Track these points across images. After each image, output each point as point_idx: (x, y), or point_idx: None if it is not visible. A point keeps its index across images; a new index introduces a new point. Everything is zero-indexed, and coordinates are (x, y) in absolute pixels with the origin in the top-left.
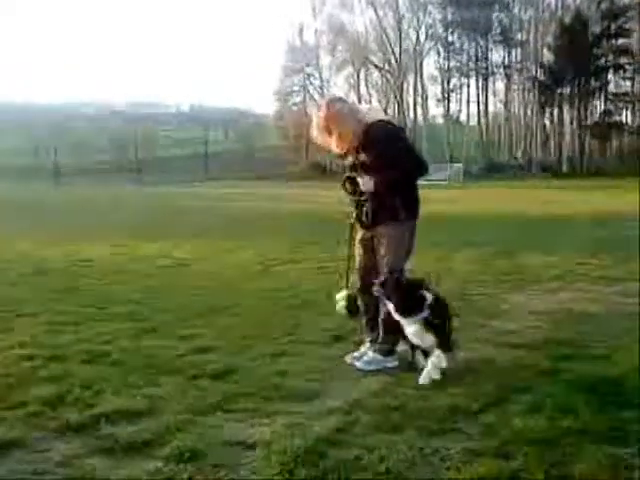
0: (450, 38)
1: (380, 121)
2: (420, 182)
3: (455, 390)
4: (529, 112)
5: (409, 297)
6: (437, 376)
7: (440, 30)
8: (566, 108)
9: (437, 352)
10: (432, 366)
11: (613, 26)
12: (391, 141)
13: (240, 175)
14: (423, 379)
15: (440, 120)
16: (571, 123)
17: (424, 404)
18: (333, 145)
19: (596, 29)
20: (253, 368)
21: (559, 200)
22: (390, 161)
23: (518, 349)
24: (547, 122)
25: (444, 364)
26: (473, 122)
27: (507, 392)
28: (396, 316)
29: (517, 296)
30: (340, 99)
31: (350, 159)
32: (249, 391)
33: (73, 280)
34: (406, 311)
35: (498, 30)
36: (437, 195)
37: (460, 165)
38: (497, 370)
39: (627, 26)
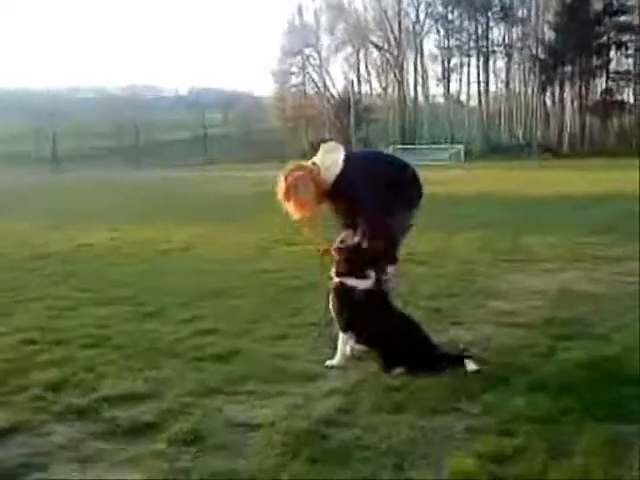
0: (450, 16)
1: (342, 173)
2: (421, 162)
3: (456, 369)
4: (530, 91)
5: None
6: (342, 361)
7: (440, 8)
8: (567, 87)
9: (341, 335)
10: (338, 349)
11: (615, 3)
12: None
13: (240, 158)
14: (330, 362)
15: (441, 99)
16: (572, 102)
17: (425, 384)
18: (291, 211)
19: (597, 6)
20: (255, 350)
21: (560, 180)
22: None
23: (519, 329)
24: (548, 101)
25: (349, 349)
26: (474, 102)
27: (508, 371)
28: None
29: (518, 276)
30: (297, 168)
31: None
32: (251, 373)
33: (73, 264)
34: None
35: (498, 7)
36: (438, 176)
37: (461, 146)
38: (498, 350)
39: (629, 3)
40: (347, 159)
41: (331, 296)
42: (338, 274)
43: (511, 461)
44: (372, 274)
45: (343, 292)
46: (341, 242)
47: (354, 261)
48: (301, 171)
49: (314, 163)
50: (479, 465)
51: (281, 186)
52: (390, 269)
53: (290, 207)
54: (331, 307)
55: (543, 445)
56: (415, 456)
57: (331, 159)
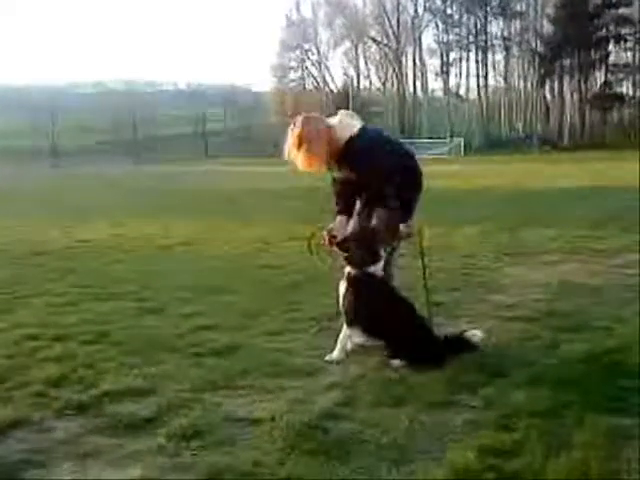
0: (448, 10)
1: (356, 137)
2: (421, 156)
3: (456, 363)
4: (529, 85)
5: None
6: (342, 355)
7: (438, 2)
8: (566, 80)
9: (345, 328)
10: (339, 343)
11: None
12: (372, 160)
13: (240, 152)
14: (330, 356)
15: (440, 93)
16: (572, 95)
17: (425, 378)
18: (299, 161)
19: None
20: (254, 345)
21: (560, 173)
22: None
23: (519, 322)
24: (547, 94)
25: (349, 343)
26: (473, 96)
27: (508, 364)
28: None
29: (518, 270)
30: (315, 118)
31: (337, 173)
32: (251, 368)
33: (72, 261)
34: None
35: (497, 1)
36: (437, 170)
37: (460, 139)
38: (498, 343)
39: None
40: (363, 127)
41: (344, 288)
42: (353, 265)
43: (511, 455)
44: (382, 252)
45: (362, 282)
46: (329, 232)
47: (367, 246)
48: (321, 125)
49: None
50: (479, 459)
51: (296, 132)
52: (410, 222)
53: (298, 157)
54: (342, 300)
55: (543, 438)
56: (415, 450)
57: (348, 121)
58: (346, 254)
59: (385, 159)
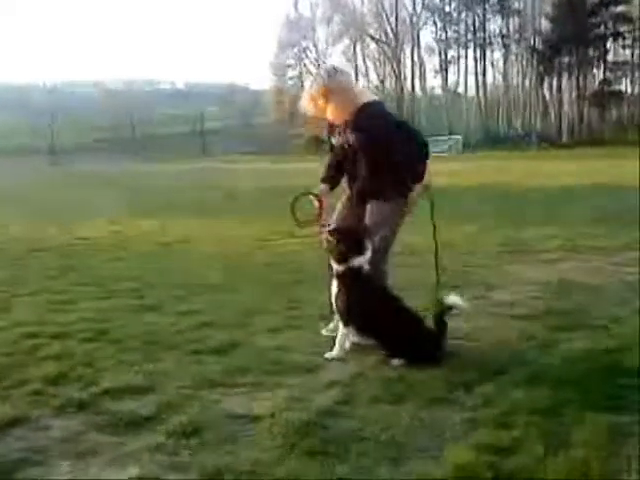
0: (447, 8)
1: (374, 103)
2: None
3: (455, 361)
4: (528, 82)
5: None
6: (341, 353)
7: (437, 0)
8: (565, 77)
9: (341, 328)
10: (337, 342)
11: None
12: (384, 125)
13: (238, 151)
14: (329, 354)
15: (439, 91)
16: (570, 93)
17: (423, 375)
18: (328, 113)
19: None
20: (253, 342)
21: (559, 170)
22: (382, 148)
23: (518, 320)
24: (546, 92)
25: (347, 342)
26: (472, 93)
27: (507, 363)
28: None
29: (517, 267)
30: (342, 70)
31: (339, 139)
32: (250, 365)
33: (71, 258)
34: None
35: None
36: (436, 167)
37: (459, 137)
38: (497, 341)
39: None
40: (378, 100)
41: (336, 286)
42: (340, 260)
43: (509, 452)
44: (369, 244)
45: (352, 280)
46: (320, 200)
47: (351, 239)
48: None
49: None
50: (477, 456)
51: (322, 84)
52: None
53: (327, 108)
54: (334, 300)
55: (542, 437)
56: (413, 447)
57: (365, 92)
58: (336, 242)
59: (395, 132)
